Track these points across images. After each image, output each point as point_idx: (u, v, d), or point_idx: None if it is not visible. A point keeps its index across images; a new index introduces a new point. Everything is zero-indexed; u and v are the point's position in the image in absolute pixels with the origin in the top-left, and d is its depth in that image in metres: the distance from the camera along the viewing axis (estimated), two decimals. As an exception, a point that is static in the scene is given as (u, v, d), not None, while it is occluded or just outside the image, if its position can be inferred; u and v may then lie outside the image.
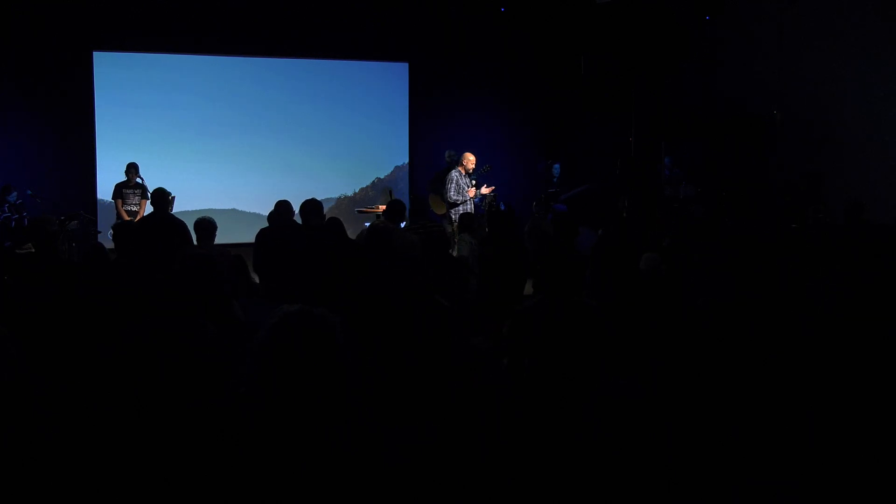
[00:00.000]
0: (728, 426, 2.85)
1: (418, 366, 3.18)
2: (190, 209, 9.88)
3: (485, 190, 8.97)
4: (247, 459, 1.84)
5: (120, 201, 9.49)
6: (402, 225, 6.93)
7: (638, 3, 10.95)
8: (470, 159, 8.92)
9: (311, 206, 6.50)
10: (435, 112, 11.85)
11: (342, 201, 11.70)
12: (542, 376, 3.08)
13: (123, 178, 9.61)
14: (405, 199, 11.40)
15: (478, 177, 10.01)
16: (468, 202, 8.78)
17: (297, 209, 6.67)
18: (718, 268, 4.84)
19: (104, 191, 10.53)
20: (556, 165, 10.85)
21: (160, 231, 6.54)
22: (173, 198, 9.15)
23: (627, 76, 11.55)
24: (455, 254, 6.95)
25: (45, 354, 3.53)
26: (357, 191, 11.82)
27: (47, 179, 10.10)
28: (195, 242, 6.25)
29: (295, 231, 6.50)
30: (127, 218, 9.32)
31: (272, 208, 6.94)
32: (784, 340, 3.31)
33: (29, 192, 9.34)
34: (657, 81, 11.53)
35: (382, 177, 11.96)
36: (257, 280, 6.37)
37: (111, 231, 6.30)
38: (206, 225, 6.10)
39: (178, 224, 6.76)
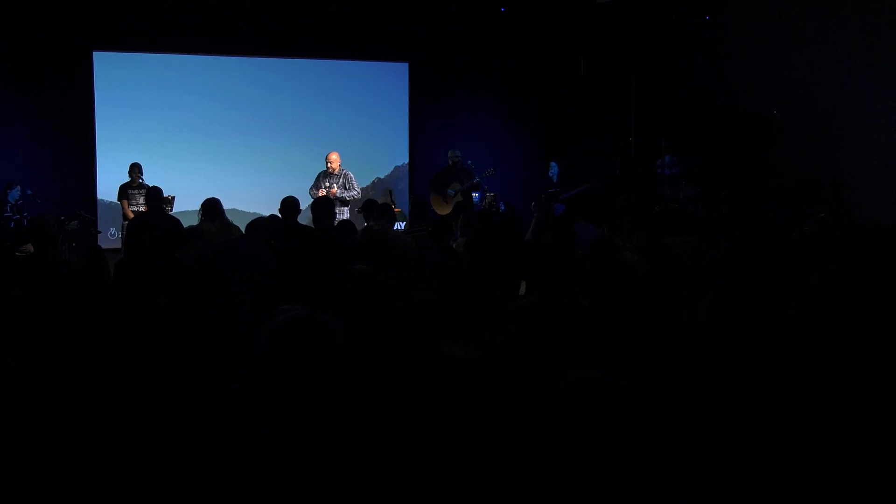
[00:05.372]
0: (726, 426, 2.86)
1: (413, 368, 3.17)
2: (190, 209, 9.87)
3: (334, 191, 8.85)
4: (244, 462, 1.85)
5: (126, 202, 9.46)
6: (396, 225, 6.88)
7: (638, 3, 10.96)
8: (329, 159, 9.01)
9: (288, 204, 6.47)
10: (435, 112, 11.84)
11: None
12: (531, 374, 3.08)
13: (125, 178, 9.55)
14: (405, 200, 11.38)
15: (482, 179, 10.01)
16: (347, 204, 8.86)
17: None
18: (718, 267, 4.85)
19: (104, 191, 10.54)
20: (553, 163, 10.83)
21: (158, 229, 6.52)
22: (173, 198, 9.19)
23: (627, 76, 11.57)
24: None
25: (45, 354, 3.53)
26: (357, 191, 11.81)
27: (47, 179, 10.09)
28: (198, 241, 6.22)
29: (296, 231, 6.48)
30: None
31: (272, 209, 6.89)
32: (782, 341, 3.31)
33: (29, 192, 9.34)
34: (657, 81, 11.55)
35: (382, 177, 11.95)
36: None
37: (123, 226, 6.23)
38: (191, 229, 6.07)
39: (173, 223, 6.75)
